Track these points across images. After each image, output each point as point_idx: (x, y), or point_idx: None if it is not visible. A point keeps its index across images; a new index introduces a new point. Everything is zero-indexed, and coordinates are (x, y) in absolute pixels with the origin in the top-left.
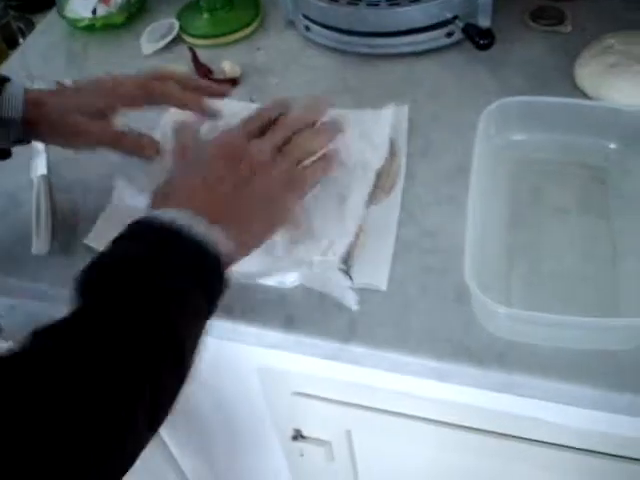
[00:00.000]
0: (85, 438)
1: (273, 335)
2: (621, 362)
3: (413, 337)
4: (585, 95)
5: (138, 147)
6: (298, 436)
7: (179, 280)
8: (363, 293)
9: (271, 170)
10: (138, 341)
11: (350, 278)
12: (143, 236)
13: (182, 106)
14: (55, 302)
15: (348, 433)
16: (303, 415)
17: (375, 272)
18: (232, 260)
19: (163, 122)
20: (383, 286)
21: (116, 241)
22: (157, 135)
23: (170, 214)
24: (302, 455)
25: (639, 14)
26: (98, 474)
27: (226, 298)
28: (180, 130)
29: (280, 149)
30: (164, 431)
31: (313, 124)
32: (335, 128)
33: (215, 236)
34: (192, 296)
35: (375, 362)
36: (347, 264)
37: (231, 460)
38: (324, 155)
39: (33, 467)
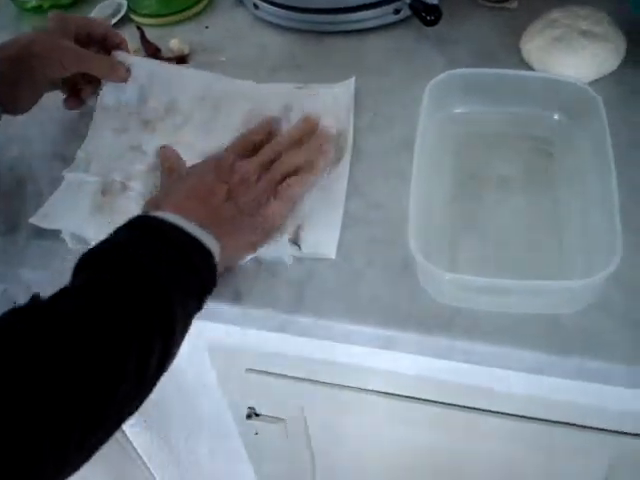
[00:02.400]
0: (78, 387)
1: (222, 309)
2: (566, 326)
3: (360, 306)
4: (531, 69)
5: (110, 69)
6: (252, 414)
7: (174, 266)
8: (311, 264)
9: (257, 184)
10: (129, 302)
11: (299, 247)
12: (141, 227)
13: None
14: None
15: (301, 409)
16: (257, 393)
17: (324, 241)
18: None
19: None
20: (332, 254)
21: (114, 232)
22: None
23: (166, 215)
24: (257, 433)
25: None
26: (91, 423)
27: None
28: (165, 152)
29: (267, 167)
30: None
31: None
32: (322, 141)
33: (207, 237)
34: (185, 280)
35: (323, 332)
36: (296, 234)
37: (189, 441)
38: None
39: (26, 413)
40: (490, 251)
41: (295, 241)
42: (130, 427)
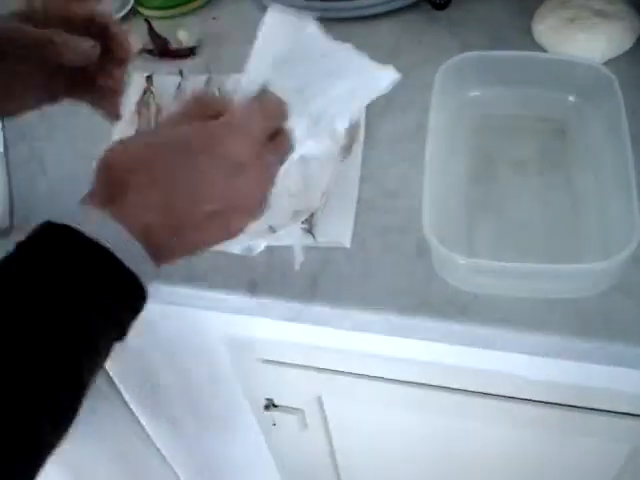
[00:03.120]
0: None
1: (237, 299)
2: (585, 309)
3: (375, 294)
4: (544, 51)
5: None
6: (270, 405)
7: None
8: (325, 252)
9: None
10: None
11: (313, 237)
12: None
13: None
14: None
15: (319, 399)
16: (274, 383)
17: (338, 230)
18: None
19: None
20: (347, 243)
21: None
22: None
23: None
24: (274, 424)
25: None
26: None
27: (188, 264)
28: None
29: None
30: (136, 408)
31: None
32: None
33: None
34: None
35: (337, 321)
36: (310, 223)
37: (204, 435)
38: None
39: None
40: (507, 235)
41: (309, 230)
42: (149, 424)
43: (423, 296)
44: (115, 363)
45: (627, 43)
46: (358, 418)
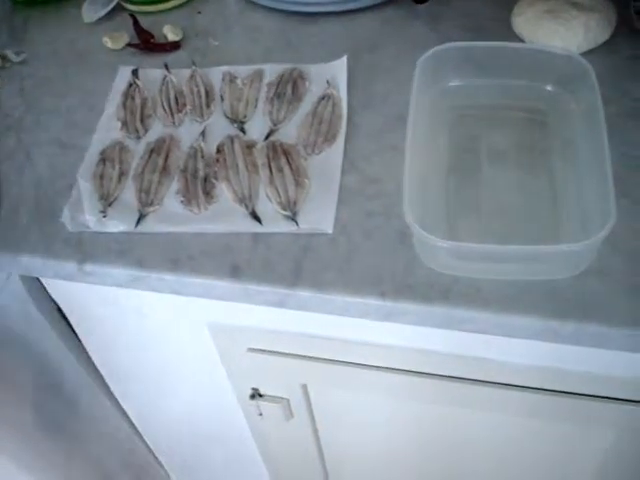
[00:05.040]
0: None
1: (219, 285)
2: (563, 291)
3: (358, 278)
4: (523, 42)
5: None
6: (256, 395)
7: None
8: (308, 238)
9: None
10: None
11: (296, 223)
12: None
13: None
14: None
15: (304, 387)
16: (259, 372)
17: (321, 217)
18: None
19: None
20: (329, 229)
21: None
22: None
23: None
24: (261, 414)
25: None
26: None
27: (170, 250)
28: None
29: None
30: (121, 398)
31: None
32: None
33: None
34: None
35: (321, 305)
36: (292, 210)
37: (189, 426)
38: None
39: None
40: (487, 222)
41: (292, 217)
42: (134, 414)
43: (405, 280)
44: (99, 353)
45: (603, 35)
46: (344, 407)
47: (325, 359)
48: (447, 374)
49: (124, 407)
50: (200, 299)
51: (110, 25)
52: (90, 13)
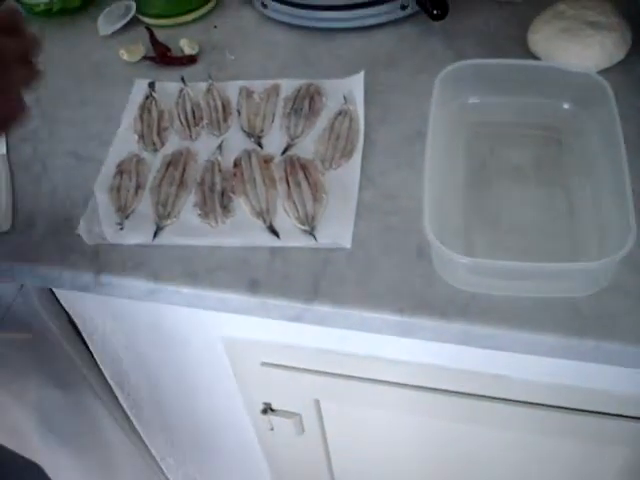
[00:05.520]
0: None
1: (237, 299)
2: (582, 309)
3: (376, 293)
4: (540, 60)
5: None
6: (268, 409)
7: None
8: (326, 253)
9: None
10: None
11: (314, 238)
12: None
13: None
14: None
15: (317, 403)
16: (272, 387)
17: (339, 232)
18: None
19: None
20: (347, 244)
21: None
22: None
23: None
24: (272, 429)
25: None
26: None
27: (187, 263)
28: None
29: None
30: (129, 410)
31: None
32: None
33: None
34: None
35: (339, 320)
36: (310, 225)
37: (198, 439)
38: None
39: None
40: (505, 239)
41: (310, 232)
42: (142, 427)
43: (423, 296)
44: (109, 364)
45: (619, 54)
46: (355, 422)
47: (339, 374)
48: (462, 391)
49: (131, 417)
50: (214, 312)
51: (126, 37)
52: (106, 26)
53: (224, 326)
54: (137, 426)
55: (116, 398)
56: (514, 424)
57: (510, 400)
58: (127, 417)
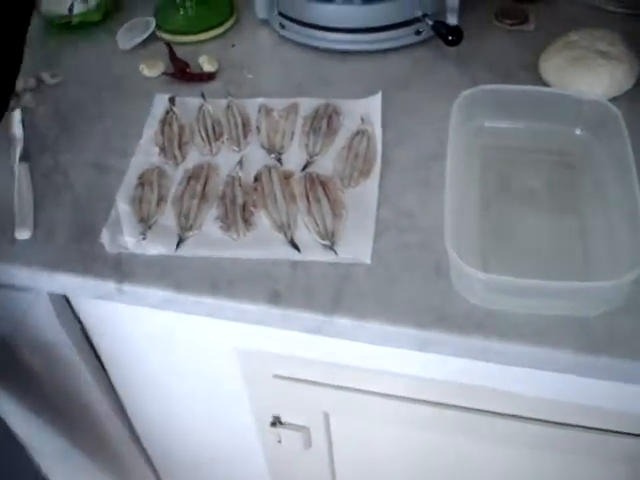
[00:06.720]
0: None
1: (258, 310)
2: (595, 327)
3: (395, 308)
4: (551, 87)
5: None
6: (277, 422)
7: None
8: (346, 268)
9: None
10: None
11: (335, 253)
12: None
13: None
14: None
15: (326, 416)
16: (282, 399)
17: (359, 247)
18: None
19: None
20: (367, 259)
21: None
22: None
23: None
24: (280, 441)
25: (596, 15)
26: None
27: (209, 274)
28: None
29: None
30: (135, 420)
31: None
32: None
33: None
34: None
35: (358, 334)
36: (331, 240)
37: (204, 449)
38: None
39: None
40: (519, 259)
41: (331, 247)
42: (145, 436)
43: (441, 311)
44: (118, 371)
45: (628, 84)
46: (363, 437)
47: (350, 388)
48: (472, 406)
49: (135, 426)
50: (229, 323)
51: (145, 52)
52: (125, 40)
53: (238, 337)
54: (139, 431)
55: (121, 405)
56: (527, 441)
57: (523, 417)
58: (130, 425)
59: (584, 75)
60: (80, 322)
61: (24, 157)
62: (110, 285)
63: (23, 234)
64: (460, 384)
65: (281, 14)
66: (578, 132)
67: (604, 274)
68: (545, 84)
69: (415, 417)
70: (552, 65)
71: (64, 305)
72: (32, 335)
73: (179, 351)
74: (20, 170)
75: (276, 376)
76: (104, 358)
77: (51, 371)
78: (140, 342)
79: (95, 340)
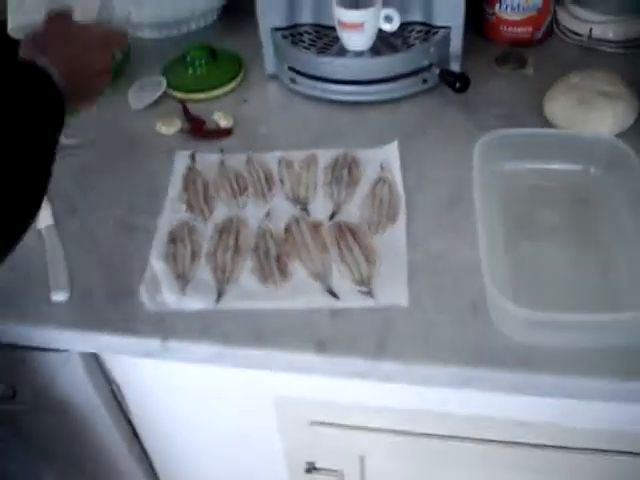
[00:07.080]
0: None
1: (305, 359)
2: (633, 355)
3: (438, 349)
4: (557, 128)
5: None
6: (311, 469)
7: None
8: (385, 313)
9: None
10: None
11: (373, 298)
12: None
13: None
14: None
15: (362, 459)
16: (317, 445)
17: (395, 291)
18: None
19: None
20: (405, 303)
21: None
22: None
23: None
24: None
25: (589, 55)
26: None
27: (252, 326)
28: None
29: None
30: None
31: None
32: None
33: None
34: None
35: (405, 376)
36: (368, 286)
37: None
38: None
39: None
40: (548, 294)
41: (368, 292)
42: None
43: (483, 348)
44: (148, 426)
45: (629, 120)
46: (399, 477)
47: (388, 429)
48: (511, 440)
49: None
50: (266, 373)
51: (157, 110)
52: (137, 100)
53: (276, 386)
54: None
55: (145, 452)
56: (566, 471)
57: (561, 447)
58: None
59: (589, 115)
60: (108, 380)
61: (51, 220)
62: (155, 342)
63: (59, 296)
64: (495, 418)
65: (291, 69)
66: (593, 170)
67: (630, 304)
68: (550, 125)
69: (453, 455)
70: (557, 106)
71: (95, 364)
72: (62, 393)
73: (211, 402)
74: (49, 233)
75: (313, 422)
76: (131, 411)
77: (79, 431)
78: (169, 394)
79: (125, 394)
